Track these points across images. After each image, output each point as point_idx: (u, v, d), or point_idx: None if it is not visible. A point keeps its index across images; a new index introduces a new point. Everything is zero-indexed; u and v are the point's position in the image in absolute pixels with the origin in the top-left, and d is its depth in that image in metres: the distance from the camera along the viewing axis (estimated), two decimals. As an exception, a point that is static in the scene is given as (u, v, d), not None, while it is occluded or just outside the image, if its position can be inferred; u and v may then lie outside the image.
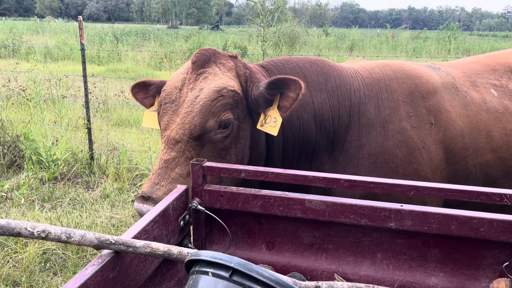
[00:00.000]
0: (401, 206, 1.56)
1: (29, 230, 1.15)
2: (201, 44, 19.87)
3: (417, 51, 22.93)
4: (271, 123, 1.97)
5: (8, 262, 3.56)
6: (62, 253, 3.69)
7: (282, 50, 17.22)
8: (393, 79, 2.29)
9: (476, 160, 2.27)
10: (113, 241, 1.24)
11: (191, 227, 1.79)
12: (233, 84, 2.00)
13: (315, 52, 19.51)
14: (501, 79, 2.52)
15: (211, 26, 54.46)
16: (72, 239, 1.20)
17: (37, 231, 1.16)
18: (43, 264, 3.58)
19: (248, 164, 2.08)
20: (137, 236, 1.35)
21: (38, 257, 3.61)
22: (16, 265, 3.54)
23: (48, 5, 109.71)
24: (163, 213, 1.53)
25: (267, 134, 2.10)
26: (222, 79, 1.98)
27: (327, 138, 2.18)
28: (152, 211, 1.50)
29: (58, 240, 1.18)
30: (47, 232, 1.17)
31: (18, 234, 1.15)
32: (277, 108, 2.00)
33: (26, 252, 3.60)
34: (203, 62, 2.02)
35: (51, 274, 3.50)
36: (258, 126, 2.02)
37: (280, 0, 4.64)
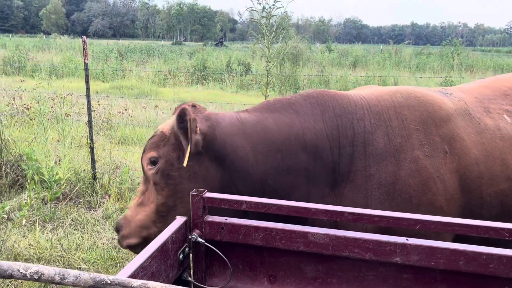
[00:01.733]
0: (407, 240, 1.52)
1: (21, 272, 1.11)
2: (205, 61, 20.01)
3: (420, 67, 22.99)
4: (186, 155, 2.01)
5: (8, 286, 3.51)
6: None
7: (285, 67, 17.27)
8: (404, 106, 2.23)
9: (491, 189, 2.18)
10: (109, 281, 1.20)
11: (191, 259, 1.75)
12: (164, 127, 2.13)
13: (318, 68, 19.59)
14: None
15: (215, 43, 54.96)
16: (66, 280, 1.16)
17: (30, 272, 1.12)
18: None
19: None
20: (134, 274, 1.31)
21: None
22: (15, 289, 3.49)
23: (54, 22, 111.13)
24: (162, 247, 1.49)
25: (243, 172, 2.08)
26: (165, 124, 2.16)
27: (326, 169, 2.11)
28: (150, 246, 1.46)
29: (51, 281, 1.14)
30: (40, 273, 1.13)
31: (10, 276, 1.11)
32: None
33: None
34: (175, 110, 2.19)
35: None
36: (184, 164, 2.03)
37: (284, 18, 4.65)
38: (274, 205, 1.62)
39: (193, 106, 2.19)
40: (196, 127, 1.99)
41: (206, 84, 16.97)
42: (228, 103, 10.41)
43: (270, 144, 2.09)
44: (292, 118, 2.14)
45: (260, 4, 3.87)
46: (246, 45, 54.41)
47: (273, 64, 4.41)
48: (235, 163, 2.07)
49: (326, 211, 1.55)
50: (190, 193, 1.69)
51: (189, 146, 1.98)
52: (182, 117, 2.00)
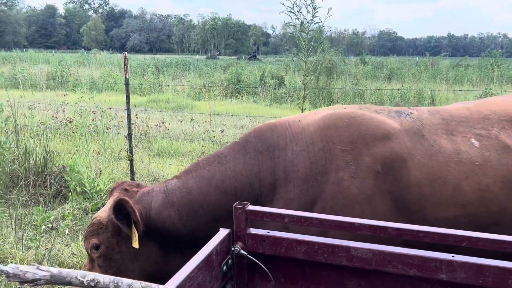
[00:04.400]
0: (453, 257, 1.49)
1: (79, 279, 1.17)
2: (239, 75, 20.26)
3: (458, 79, 22.45)
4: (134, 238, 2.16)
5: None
6: None
7: (320, 81, 17.26)
8: (332, 128, 2.22)
9: (439, 213, 2.07)
10: (159, 291, 1.24)
11: (234, 271, 1.77)
12: (101, 215, 2.28)
13: (353, 81, 19.45)
14: (491, 128, 2.27)
15: (249, 56, 55.60)
16: (120, 288, 1.21)
17: (87, 280, 1.18)
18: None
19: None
20: (182, 285, 1.35)
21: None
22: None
23: (94, 38, 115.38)
24: (207, 259, 1.53)
25: (175, 237, 2.26)
26: (101, 211, 2.31)
27: (256, 203, 2.20)
28: (197, 257, 1.50)
29: (106, 289, 1.20)
30: (96, 281, 1.19)
31: (69, 283, 1.17)
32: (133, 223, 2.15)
33: None
34: (111, 191, 2.42)
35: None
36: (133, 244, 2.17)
37: (319, 31, 4.68)
38: (316, 219, 1.63)
39: (125, 190, 2.36)
40: (135, 212, 2.13)
41: (240, 97, 17.16)
42: (262, 116, 10.49)
43: (192, 204, 2.25)
44: (213, 171, 2.29)
45: (298, 19, 3.93)
46: (279, 58, 54.73)
47: (310, 78, 4.43)
48: (167, 234, 2.25)
49: (370, 226, 1.55)
50: (234, 205, 1.73)
51: (134, 231, 2.14)
52: (119, 209, 2.13)
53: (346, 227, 1.60)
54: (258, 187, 2.22)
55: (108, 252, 2.23)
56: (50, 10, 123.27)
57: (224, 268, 1.67)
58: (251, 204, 2.06)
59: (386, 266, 1.55)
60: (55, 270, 1.16)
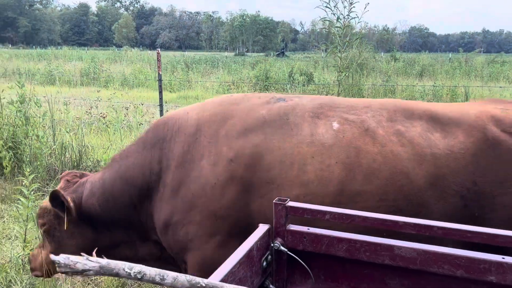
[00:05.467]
0: (503, 258, 1.44)
1: (126, 271, 1.19)
2: (268, 71, 20.22)
3: (493, 76, 21.74)
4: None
5: (88, 284, 3.73)
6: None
7: (349, 77, 17.03)
8: (206, 123, 2.44)
9: (283, 194, 2.14)
10: (204, 285, 1.24)
11: (273, 267, 1.76)
12: (46, 202, 2.67)
13: (384, 78, 19.11)
14: (364, 114, 2.29)
15: (277, 53, 55.44)
16: (165, 281, 1.22)
17: (134, 272, 1.19)
18: (120, 287, 3.71)
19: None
20: (225, 279, 1.35)
21: (115, 280, 3.74)
22: (96, 287, 3.70)
23: (125, 35, 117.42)
24: (248, 254, 1.52)
25: (102, 223, 2.67)
26: (46, 199, 2.67)
27: (143, 190, 2.54)
28: (238, 252, 1.49)
29: (152, 281, 1.21)
30: (142, 273, 1.20)
31: (116, 274, 1.18)
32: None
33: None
34: (60, 179, 2.87)
35: (127, 298, 3.61)
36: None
37: (348, 27, 4.59)
38: (359, 216, 1.60)
39: (67, 180, 2.79)
40: (68, 201, 2.54)
41: (269, 94, 17.08)
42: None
43: (105, 193, 2.62)
44: (120, 164, 2.64)
45: (334, 14, 3.86)
46: (307, 55, 54.33)
47: (345, 74, 4.37)
48: (94, 217, 2.65)
49: (415, 224, 1.51)
50: (274, 201, 1.72)
51: (66, 215, 2.57)
52: (54, 198, 2.53)
53: (390, 225, 1.57)
54: (148, 175, 2.51)
55: (51, 230, 2.71)
56: (83, 8, 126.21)
57: (264, 264, 1.66)
58: (145, 190, 2.53)
59: (431, 266, 1.51)
60: (104, 261, 1.18)
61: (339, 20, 3.93)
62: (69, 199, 2.57)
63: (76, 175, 2.86)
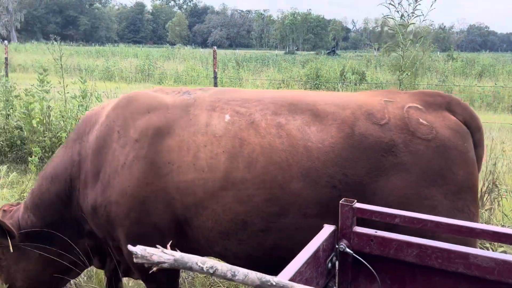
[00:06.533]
0: None
1: (199, 266, 1.20)
2: (318, 70, 20.01)
3: (560, 76, 20.37)
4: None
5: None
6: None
7: (404, 77, 16.50)
8: (114, 110, 2.61)
9: (181, 177, 2.35)
10: (274, 283, 1.23)
11: (337, 269, 1.73)
12: None
13: (440, 78, 18.40)
14: (253, 108, 2.44)
15: (328, 51, 54.76)
16: (236, 277, 1.22)
17: (206, 266, 1.20)
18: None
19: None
20: (293, 279, 1.33)
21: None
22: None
23: (178, 33, 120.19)
24: (315, 255, 1.50)
25: (41, 236, 2.74)
26: None
27: (67, 182, 2.69)
28: (305, 252, 1.47)
29: (223, 277, 1.21)
30: (214, 268, 1.21)
31: (189, 268, 1.20)
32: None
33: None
34: None
35: (181, 291, 3.66)
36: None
37: (404, 26, 4.43)
38: (431, 221, 1.53)
39: (4, 211, 2.88)
40: (4, 222, 2.61)
41: (320, 93, 16.89)
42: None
43: (34, 199, 2.77)
44: (47, 166, 2.83)
45: (398, 12, 3.74)
46: (359, 53, 53.30)
47: (406, 73, 4.23)
48: (34, 236, 2.72)
49: (494, 233, 1.43)
50: (340, 202, 1.69)
51: (9, 239, 2.63)
52: None
53: (465, 232, 1.49)
54: (70, 168, 2.68)
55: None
56: (139, 7, 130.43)
57: (329, 265, 1.63)
58: (69, 182, 2.67)
59: (510, 278, 1.42)
60: (178, 254, 1.20)
61: (403, 17, 3.81)
62: (5, 221, 2.68)
63: (12, 205, 3.03)
